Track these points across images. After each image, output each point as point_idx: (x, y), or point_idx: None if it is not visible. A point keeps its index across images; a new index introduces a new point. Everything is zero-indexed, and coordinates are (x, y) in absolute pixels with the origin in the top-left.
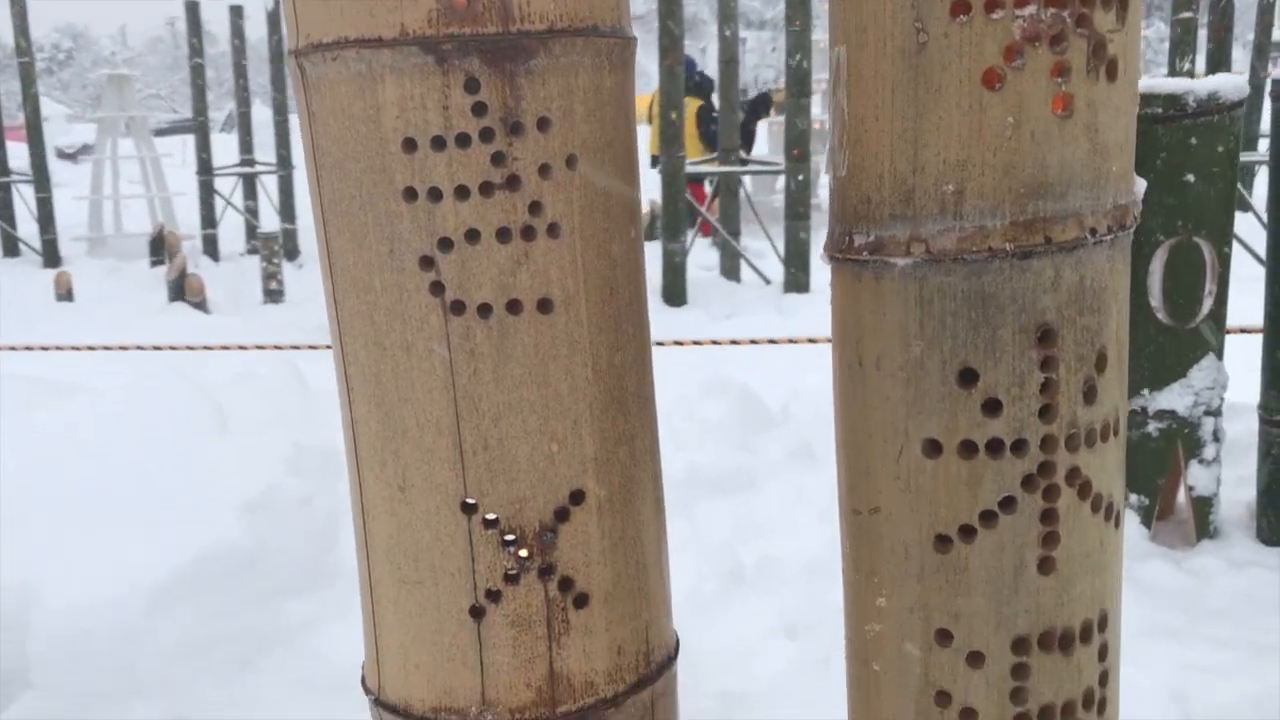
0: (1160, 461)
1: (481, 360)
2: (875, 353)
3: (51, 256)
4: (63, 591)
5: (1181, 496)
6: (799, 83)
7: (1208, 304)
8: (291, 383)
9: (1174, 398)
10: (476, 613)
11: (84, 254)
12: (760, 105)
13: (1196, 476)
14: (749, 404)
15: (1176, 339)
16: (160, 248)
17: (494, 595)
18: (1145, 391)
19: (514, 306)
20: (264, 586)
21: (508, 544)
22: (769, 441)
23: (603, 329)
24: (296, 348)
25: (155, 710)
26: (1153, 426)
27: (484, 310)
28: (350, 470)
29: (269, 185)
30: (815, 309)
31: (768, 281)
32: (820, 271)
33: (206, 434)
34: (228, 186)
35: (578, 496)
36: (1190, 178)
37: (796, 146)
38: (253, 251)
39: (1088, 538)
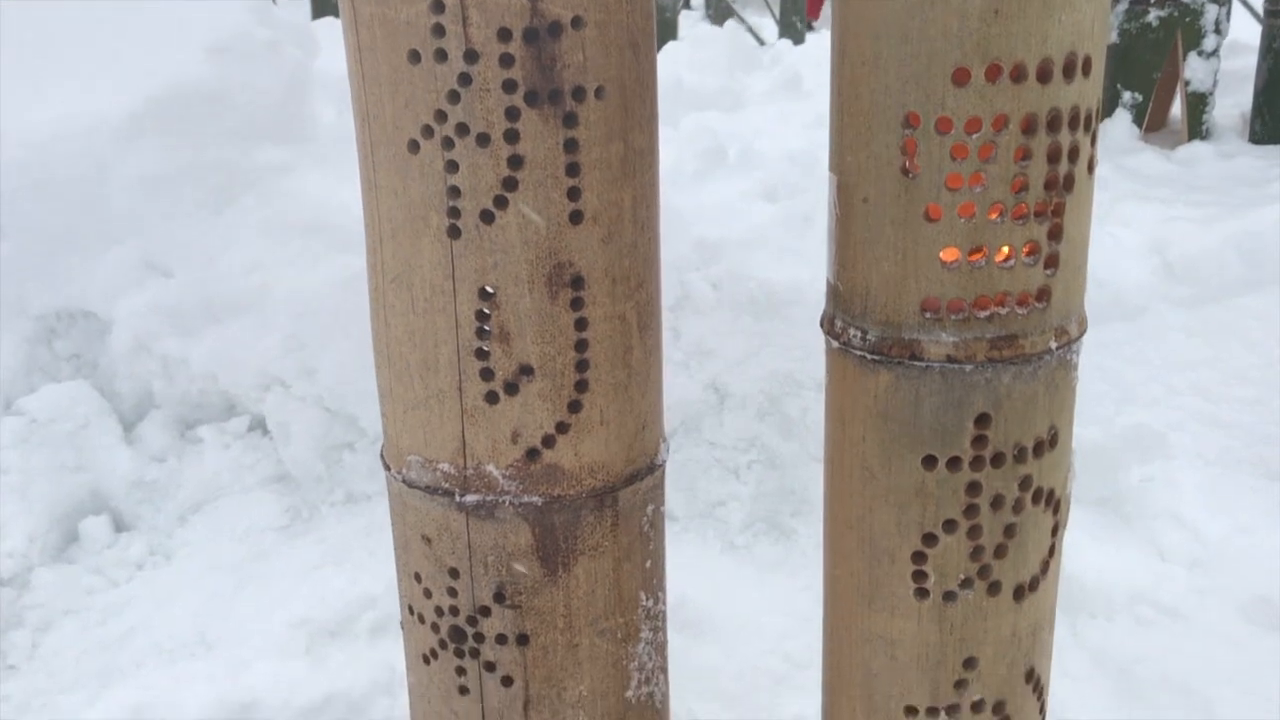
0: (1158, 54)
1: None
2: None
3: None
4: (28, 125)
5: (1176, 108)
6: None
7: None
8: None
9: None
10: None
11: None
12: None
13: (1194, 69)
14: (739, 48)
15: None
16: None
17: None
18: None
19: None
20: (234, 127)
21: None
22: (758, 78)
23: None
24: None
25: (126, 253)
26: (1153, 15)
27: None
28: None
29: None
30: None
31: (762, 44)
32: (813, 35)
33: None
34: None
35: None
36: None
37: None
38: None
39: None
